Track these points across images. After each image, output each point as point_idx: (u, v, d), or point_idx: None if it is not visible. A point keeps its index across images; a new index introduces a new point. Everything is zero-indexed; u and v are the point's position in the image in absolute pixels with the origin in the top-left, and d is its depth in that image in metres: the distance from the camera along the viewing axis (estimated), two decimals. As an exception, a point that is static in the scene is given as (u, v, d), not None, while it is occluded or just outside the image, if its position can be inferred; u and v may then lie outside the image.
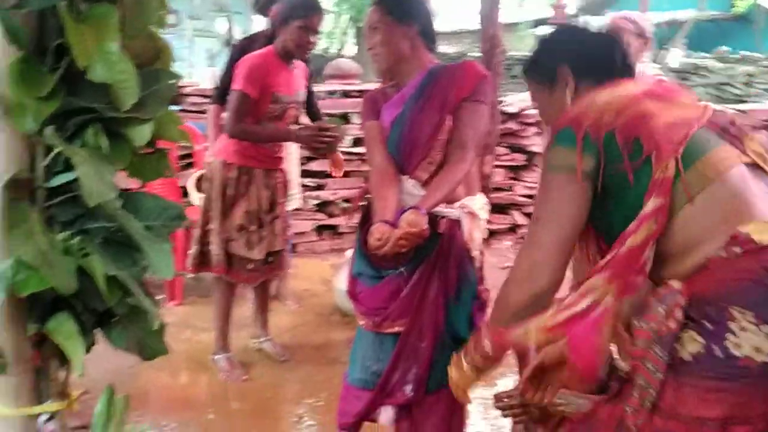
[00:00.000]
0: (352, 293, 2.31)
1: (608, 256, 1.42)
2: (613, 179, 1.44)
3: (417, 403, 2.22)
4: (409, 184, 2.18)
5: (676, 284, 1.36)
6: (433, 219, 2.13)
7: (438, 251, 2.18)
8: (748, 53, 13.72)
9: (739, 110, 6.21)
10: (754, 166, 1.44)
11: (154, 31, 1.29)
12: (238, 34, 6.85)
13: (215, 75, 5.76)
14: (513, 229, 5.83)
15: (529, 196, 5.70)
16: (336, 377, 3.32)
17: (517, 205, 5.78)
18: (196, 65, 9.90)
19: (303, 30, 3.04)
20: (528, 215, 5.81)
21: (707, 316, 1.32)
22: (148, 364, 3.36)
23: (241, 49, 3.58)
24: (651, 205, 1.38)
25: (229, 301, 3.42)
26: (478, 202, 2.29)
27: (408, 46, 2.20)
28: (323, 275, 4.89)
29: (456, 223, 2.22)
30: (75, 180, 1.23)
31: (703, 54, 14.37)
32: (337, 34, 16.74)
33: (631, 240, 1.38)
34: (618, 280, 1.38)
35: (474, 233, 2.25)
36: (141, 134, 1.23)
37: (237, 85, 3.02)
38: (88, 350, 1.32)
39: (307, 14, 3.03)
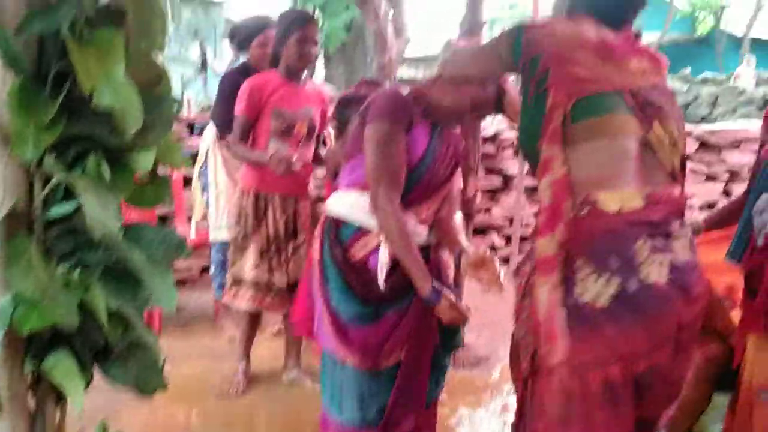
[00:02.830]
0: (340, 335, 2.09)
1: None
2: (522, 91, 1.63)
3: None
4: (412, 222, 2.05)
5: None
6: (425, 248, 2.10)
7: None
8: (710, 75, 14.07)
9: (708, 130, 6.32)
10: (646, 146, 1.58)
11: (154, 55, 1.25)
12: (212, 60, 6.79)
13: (189, 102, 5.71)
14: (492, 250, 5.83)
15: (507, 218, 5.71)
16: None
17: (495, 228, 5.79)
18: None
19: (302, 41, 3.09)
20: (506, 237, 5.82)
21: (565, 265, 1.52)
22: (126, 399, 3.31)
23: (231, 81, 3.53)
24: (548, 152, 1.55)
25: (254, 330, 3.47)
26: (456, 220, 2.29)
27: None
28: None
29: (441, 247, 2.20)
30: (74, 211, 1.18)
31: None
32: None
33: (546, 179, 1.56)
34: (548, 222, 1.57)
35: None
36: (144, 161, 1.19)
37: (236, 108, 3.13)
38: (85, 387, 1.27)
39: (302, 25, 3.10)
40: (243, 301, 3.26)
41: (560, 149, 1.52)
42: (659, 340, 1.50)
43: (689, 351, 1.60)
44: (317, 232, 2.21)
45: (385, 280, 2.01)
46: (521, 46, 1.59)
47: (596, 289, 1.46)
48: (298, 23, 3.09)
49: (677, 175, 1.64)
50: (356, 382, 2.12)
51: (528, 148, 1.64)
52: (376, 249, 2.03)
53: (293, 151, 3.20)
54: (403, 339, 2.08)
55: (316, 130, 3.30)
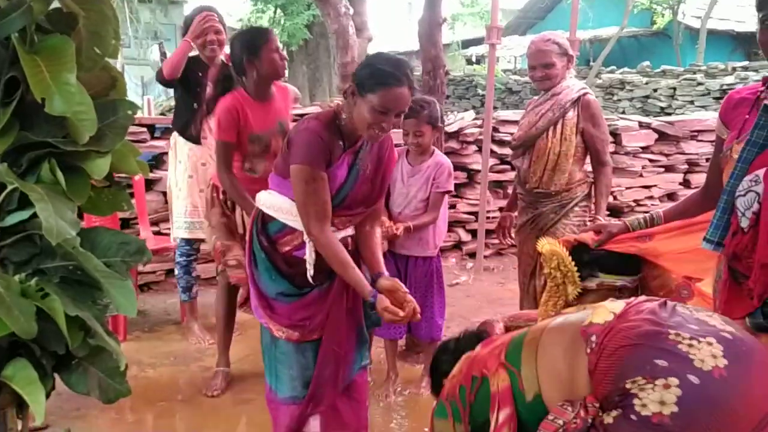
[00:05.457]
0: (268, 311, 2.32)
1: None
2: (477, 417, 1.64)
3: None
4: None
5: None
6: (344, 239, 2.29)
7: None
8: (668, 67, 14.31)
9: (666, 122, 6.44)
10: None
11: (108, 61, 1.25)
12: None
13: (150, 103, 5.66)
14: (458, 245, 5.87)
15: (472, 213, 5.76)
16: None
17: (461, 222, 5.83)
18: (129, 94, 9.69)
19: (271, 52, 3.05)
20: (471, 232, 5.87)
21: (614, 402, 1.39)
22: (93, 404, 3.27)
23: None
24: (501, 417, 1.55)
25: (227, 315, 3.40)
26: (377, 238, 2.44)
27: None
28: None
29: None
30: (29, 219, 1.18)
31: (626, 69, 14.90)
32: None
33: None
34: None
35: None
36: (99, 168, 1.19)
37: (215, 135, 3.08)
38: (48, 395, 1.26)
39: (268, 39, 3.06)
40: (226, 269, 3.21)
41: None
42: (756, 423, 1.30)
43: None
44: (249, 222, 2.43)
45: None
46: (456, 407, 1.70)
47: (657, 396, 1.30)
48: (263, 38, 3.05)
49: None
50: (288, 356, 2.32)
51: None
52: (302, 245, 2.25)
53: (269, 163, 3.21)
54: (325, 315, 2.27)
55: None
